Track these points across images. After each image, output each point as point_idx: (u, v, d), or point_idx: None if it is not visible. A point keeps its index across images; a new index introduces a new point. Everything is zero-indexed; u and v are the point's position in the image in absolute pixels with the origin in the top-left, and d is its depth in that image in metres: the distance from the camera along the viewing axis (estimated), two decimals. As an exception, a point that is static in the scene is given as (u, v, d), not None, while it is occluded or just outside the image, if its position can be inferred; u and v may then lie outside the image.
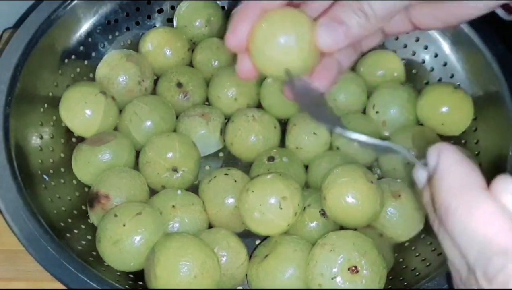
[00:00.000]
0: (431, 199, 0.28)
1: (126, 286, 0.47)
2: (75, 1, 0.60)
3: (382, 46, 0.64)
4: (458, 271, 0.28)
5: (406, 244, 0.53)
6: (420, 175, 0.31)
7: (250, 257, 0.51)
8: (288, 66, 0.35)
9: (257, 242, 0.54)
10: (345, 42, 0.35)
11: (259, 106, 0.62)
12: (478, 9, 0.37)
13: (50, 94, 0.58)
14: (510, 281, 0.24)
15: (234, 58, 0.64)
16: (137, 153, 0.57)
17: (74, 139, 0.59)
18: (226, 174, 0.54)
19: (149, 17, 0.67)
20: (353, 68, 0.63)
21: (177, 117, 0.60)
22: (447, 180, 0.26)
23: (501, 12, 0.43)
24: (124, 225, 0.48)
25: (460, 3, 0.37)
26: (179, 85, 0.61)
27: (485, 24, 0.58)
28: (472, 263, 0.25)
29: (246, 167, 0.57)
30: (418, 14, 0.39)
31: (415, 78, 0.64)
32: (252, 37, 0.36)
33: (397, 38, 0.64)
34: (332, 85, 0.39)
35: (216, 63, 0.64)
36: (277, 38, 0.35)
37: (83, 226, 0.53)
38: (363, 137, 0.32)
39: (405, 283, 0.49)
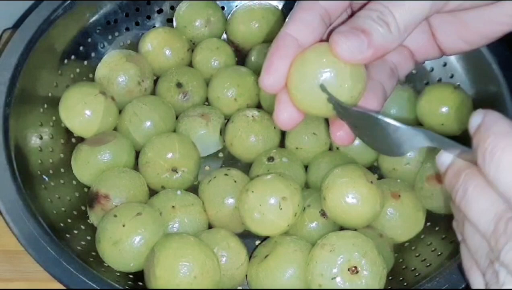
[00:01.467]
0: (476, 149, 0.28)
1: (126, 287, 0.47)
2: (75, 1, 0.60)
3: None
4: (484, 229, 0.28)
5: (406, 244, 0.53)
6: (445, 158, 0.31)
7: (250, 257, 0.51)
8: (343, 96, 0.33)
9: (257, 242, 0.54)
10: (369, 53, 0.32)
11: (259, 106, 0.62)
12: (501, 24, 0.36)
13: (50, 94, 0.58)
14: None
15: (238, 61, 0.64)
16: (137, 154, 0.57)
17: (73, 140, 0.59)
18: (226, 175, 0.54)
19: (148, 17, 0.67)
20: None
21: (177, 118, 0.60)
22: (495, 127, 0.27)
23: None
24: (124, 226, 0.48)
25: (482, 18, 0.36)
26: (179, 85, 0.61)
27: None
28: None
29: (246, 167, 0.57)
30: (443, 36, 0.38)
31: (415, 78, 0.63)
32: (294, 74, 0.34)
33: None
34: (380, 108, 0.37)
35: (216, 63, 0.64)
36: (320, 73, 0.33)
37: (82, 227, 0.53)
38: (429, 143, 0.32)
39: (405, 284, 0.49)
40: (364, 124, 0.34)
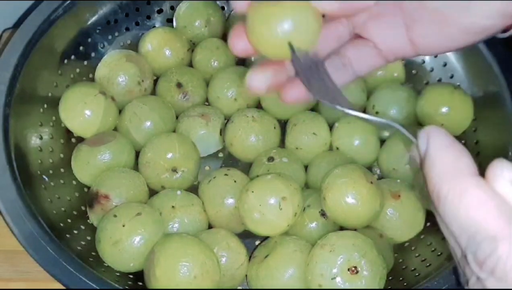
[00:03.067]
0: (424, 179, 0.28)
1: (126, 287, 0.47)
2: (75, 1, 0.60)
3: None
4: (455, 254, 0.28)
5: (406, 244, 0.53)
6: (416, 155, 0.30)
7: (250, 257, 0.51)
8: (290, 39, 0.33)
9: (257, 242, 0.54)
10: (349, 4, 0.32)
11: (259, 106, 0.62)
12: (486, 17, 0.34)
13: (50, 94, 0.58)
14: (498, 266, 0.24)
15: (238, 61, 0.64)
16: (137, 154, 0.57)
17: (73, 140, 0.59)
18: (226, 175, 0.54)
19: (148, 17, 0.67)
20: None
21: (177, 118, 0.60)
22: (437, 166, 0.26)
23: None
24: (123, 226, 0.48)
25: (462, 9, 0.34)
26: (179, 85, 0.61)
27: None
28: (463, 248, 0.26)
29: (246, 167, 0.57)
30: (423, 32, 0.36)
31: (415, 78, 0.63)
32: (250, 12, 0.34)
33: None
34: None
35: (216, 64, 0.64)
36: (276, 11, 0.33)
37: (82, 227, 0.53)
38: (363, 115, 0.31)
39: (405, 284, 0.49)
40: (309, 70, 0.34)
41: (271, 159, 0.55)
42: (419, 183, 0.32)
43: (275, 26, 0.33)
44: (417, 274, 0.49)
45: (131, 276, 0.50)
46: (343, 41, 0.38)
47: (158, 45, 0.63)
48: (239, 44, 0.35)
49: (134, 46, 0.65)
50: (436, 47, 0.37)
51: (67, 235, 0.50)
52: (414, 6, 0.36)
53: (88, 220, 0.54)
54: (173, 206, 0.51)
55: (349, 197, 0.49)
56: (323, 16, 0.35)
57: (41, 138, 0.56)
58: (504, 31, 0.36)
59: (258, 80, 0.36)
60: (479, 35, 0.35)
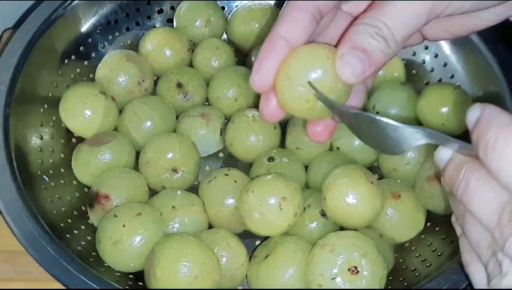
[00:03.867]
0: (477, 142, 0.29)
1: (126, 287, 0.47)
2: (75, 1, 0.60)
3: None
4: (487, 221, 0.29)
5: (407, 244, 0.53)
6: (443, 153, 0.32)
7: (250, 257, 0.51)
8: (313, 103, 0.34)
9: (257, 242, 0.54)
10: (371, 71, 0.33)
11: (259, 106, 0.62)
12: (489, 20, 0.37)
13: (50, 94, 0.58)
14: None
15: (238, 61, 0.64)
16: (137, 154, 0.57)
17: (74, 140, 0.59)
18: (226, 175, 0.54)
19: (149, 17, 0.67)
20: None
21: (177, 118, 0.60)
22: (495, 119, 0.28)
23: None
24: (124, 226, 0.48)
25: (471, 15, 0.36)
26: (179, 85, 0.61)
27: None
28: None
29: (246, 167, 0.57)
30: (428, 27, 0.38)
31: (415, 79, 0.63)
32: (280, 75, 0.35)
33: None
34: (363, 102, 0.39)
35: (216, 64, 0.64)
36: (308, 75, 0.34)
37: (83, 227, 0.53)
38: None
39: (405, 284, 0.49)
40: (361, 124, 0.34)
41: (271, 159, 0.55)
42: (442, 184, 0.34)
43: (305, 74, 0.34)
44: (417, 274, 0.49)
45: (131, 276, 0.50)
46: None
47: (159, 45, 0.63)
48: (269, 108, 0.37)
49: (134, 46, 0.65)
50: (439, 38, 0.40)
51: (67, 235, 0.50)
52: None
53: (88, 220, 0.54)
54: (173, 206, 0.51)
55: (350, 197, 0.49)
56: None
57: (41, 138, 0.56)
58: None
59: (272, 108, 0.37)
60: (478, 29, 0.38)
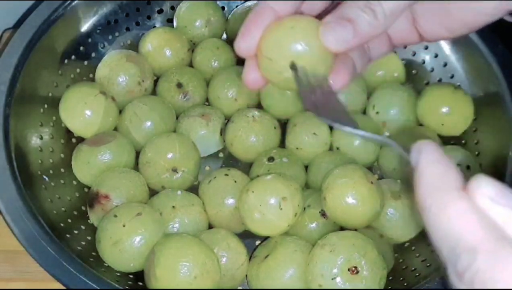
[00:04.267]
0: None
1: (126, 287, 0.47)
2: (75, 1, 0.60)
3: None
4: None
5: (406, 244, 0.53)
6: (409, 170, 0.31)
7: (250, 257, 0.51)
8: (294, 62, 0.34)
9: (257, 242, 0.54)
10: (355, 41, 0.34)
11: (259, 106, 0.62)
12: (486, 14, 0.36)
13: (50, 94, 0.58)
14: (475, 279, 0.24)
15: (238, 61, 0.64)
16: (137, 154, 0.57)
17: (74, 140, 0.59)
18: (226, 175, 0.54)
19: (149, 17, 0.67)
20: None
21: (177, 118, 0.60)
22: (424, 179, 0.27)
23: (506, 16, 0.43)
24: (124, 226, 0.48)
25: (470, 10, 0.36)
26: (179, 85, 0.61)
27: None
28: (445, 260, 0.26)
29: (246, 167, 0.57)
30: (425, 23, 0.38)
31: (415, 79, 0.63)
32: (262, 43, 0.35)
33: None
34: (347, 84, 0.38)
35: (216, 64, 0.64)
36: (288, 45, 0.34)
37: (83, 227, 0.53)
38: (361, 133, 0.32)
39: (405, 284, 0.49)
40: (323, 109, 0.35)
41: (271, 159, 0.55)
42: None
43: (283, 49, 0.34)
44: (417, 274, 0.49)
45: (131, 276, 0.50)
46: None
47: (159, 45, 0.63)
48: (252, 76, 0.37)
49: (134, 46, 0.65)
50: (438, 36, 0.39)
51: (67, 235, 0.50)
52: (418, 2, 0.37)
53: (88, 220, 0.54)
54: (173, 206, 0.51)
55: (350, 197, 0.49)
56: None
57: (41, 138, 0.56)
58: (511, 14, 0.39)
59: (254, 76, 0.38)
60: (478, 26, 0.38)
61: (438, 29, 0.38)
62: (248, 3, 0.67)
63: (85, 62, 0.63)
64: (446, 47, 0.62)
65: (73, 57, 0.61)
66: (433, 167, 0.27)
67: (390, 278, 0.50)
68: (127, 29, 0.66)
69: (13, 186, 0.49)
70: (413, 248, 0.53)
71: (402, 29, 0.39)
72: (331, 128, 0.58)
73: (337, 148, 0.57)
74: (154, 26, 0.67)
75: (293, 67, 0.34)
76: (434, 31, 0.39)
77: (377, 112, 0.59)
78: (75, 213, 0.54)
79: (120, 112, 0.59)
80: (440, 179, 0.26)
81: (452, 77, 0.61)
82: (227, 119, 0.60)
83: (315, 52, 0.34)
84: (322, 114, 0.34)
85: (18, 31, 0.57)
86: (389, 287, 0.49)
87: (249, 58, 0.37)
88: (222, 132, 0.59)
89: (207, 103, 0.63)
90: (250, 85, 0.38)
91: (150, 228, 0.48)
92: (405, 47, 0.63)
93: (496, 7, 0.36)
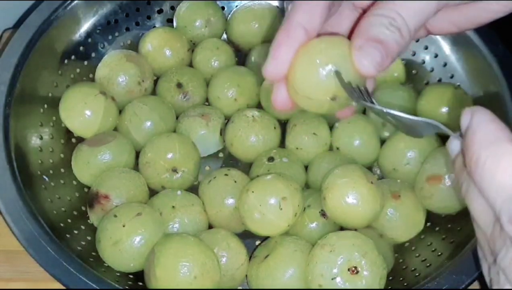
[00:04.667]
0: (463, 155, 0.29)
1: (126, 287, 0.47)
2: (75, 1, 0.60)
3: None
4: (484, 229, 0.29)
5: (406, 244, 0.53)
6: (454, 145, 0.32)
7: (250, 257, 0.51)
8: (334, 94, 0.34)
9: (257, 242, 0.54)
10: (387, 62, 0.33)
11: (259, 106, 0.62)
12: (496, 12, 0.36)
13: (50, 94, 0.58)
14: None
15: (238, 61, 0.64)
16: (137, 154, 0.57)
17: (73, 140, 0.59)
18: (226, 175, 0.54)
19: (149, 17, 0.67)
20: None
21: (177, 118, 0.60)
22: (479, 134, 0.28)
23: None
24: (124, 226, 0.48)
25: (478, 7, 0.36)
26: (179, 85, 0.61)
27: (485, 25, 0.58)
28: (498, 210, 0.27)
29: (246, 167, 0.57)
30: (433, 19, 0.38)
31: (415, 79, 0.63)
32: (294, 66, 0.34)
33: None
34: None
35: (216, 64, 0.64)
36: (322, 67, 0.33)
37: (83, 227, 0.53)
38: (405, 116, 0.34)
39: (405, 284, 0.49)
40: (381, 115, 0.36)
41: (271, 159, 0.55)
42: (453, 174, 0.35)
43: (321, 86, 0.34)
44: (417, 274, 0.49)
45: (131, 276, 0.50)
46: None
47: (158, 45, 0.63)
48: (280, 97, 0.37)
49: (134, 46, 0.65)
50: (444, 31, 0.39)
51: (67, 235, 0.50)
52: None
53: (88, 220, 0.54)
54: (173, 206, 0.51)
55: (349, 197, 0.49)
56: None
57: (41, 138, 0.56)
58: None
59: (284, 97, 0.37)
60: (484, 22, 0.38)
61: (446, 24, 0.39)
62: (248, 3, 0.67)
63: (85, 62, 0.63)
64: (446, 47, 0.62)
65: (73, 57, 0.61)
66: (487, 124, 0.28)
67: (390, 278, 0.50)
68: (127, 29, 0.66)
69: (13, 186, 0.49)
70: (413, 248, 0.53)
71: None
72: (331, 128, 0.58)
73: (337, 148, 0.57)
74: (154, 26, 0.67)
75: (338, 74, 0.34)
76: (442, 26, 0.39)
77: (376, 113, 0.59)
78: (75, 213, 0.54)
79: (120, 112, 0.59)
80: (495, 134, 0.28)
81: (452, 77, 0.61)
82: (227, 119, 0.60)
83: (351, 78, 0.34)
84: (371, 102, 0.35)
85: (18, 31, 0.57)
86: (389, 287, 0.49)
87: (279, 82, 0.36)
88: (222, 132, 0.59)
89: (207, 103, 0.63)
90: (279, 106, 0.37)
91: (150, 228, 0.48)
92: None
93: (507, 5, 0.36)
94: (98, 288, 0.45)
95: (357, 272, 0.45)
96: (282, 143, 0.59)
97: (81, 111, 0.56)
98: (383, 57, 0.33)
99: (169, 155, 0.54)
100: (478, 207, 0.29)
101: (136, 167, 0.57)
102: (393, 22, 0.33)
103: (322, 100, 0.35)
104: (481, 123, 0.28)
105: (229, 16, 0.68)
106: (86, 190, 0.56)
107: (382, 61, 0.33)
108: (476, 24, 0.38)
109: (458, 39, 0.60)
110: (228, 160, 0.60)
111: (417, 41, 0.63)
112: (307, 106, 0.36)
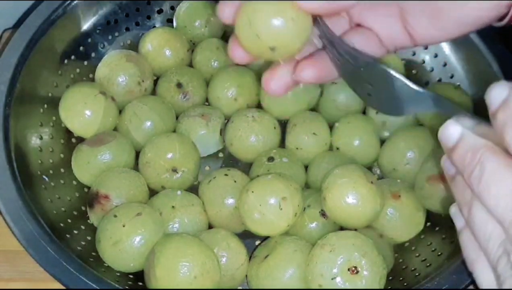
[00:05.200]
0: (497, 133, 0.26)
1: (126, 287, 0.47)
2: (75, 1, 0.60)
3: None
4: (503, 217, 0.26)
5: (406, 244, 0.53)
6: (453, 130, 0.29)
7: (250, 257, 0.51)
8: (277, 42, 0.33)
9: (257, 242, 0.54)
10: (333, 5, 0.32)
11: (259, 106, 0.62)
12: (481, 9, 0.34)
13: (50, 94, 0.58)
14: None
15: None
16: (137, 154, 0.57)
17: (73, 140, 0.59)
18: (226, 175, 0.54)
19: (149, 17, 0.67)
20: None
21: (177, 118, 0.60)
22: None
23: None
24: (124, 226, 0.48)
25: (457, 2, 0.34)
26: (179, 85, 0.61)
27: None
28: None
29: (246, 167, 0.57)
30: (416, 23, 0.36)
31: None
32: (239, 17, 0.34)
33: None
34: (318, 78, 0.36)
35: (216, 64, 0.64)
36: (263, 13, 0.33)
37: (83, 227, 0.53)
38: (399, 75, 0.30)
39: (405, 284, 0.49)
40: (366, 75, 0.32)
41: (271, 159, 0.55)
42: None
43: (260, 30, 0.33)
44: (417, 274, 0.49)
45: (131, 276, 0.50)
46: (346, 31, 0.39)
47: (158, 45, 0.63)
48: (237, 52, 0.37)
49: (134, 46, 0.65)
50: (430, 38, 0.37)
51: (67, 235, 0.50)
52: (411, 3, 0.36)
53: (88, 220, 0.54)
54: (173, 206, 0.51)
55: (349, 197, 0.49)
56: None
57: (41, 138, 0.56)
58: (500, 19, 0.36)
59: (275, 83, 0.37)
60: (472, 26, 0.35)
61: (430, 30, 0.36)
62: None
63: (85, 62, 0.63)
64: (446, 47, 0.62)
65: (73, 57, 0.61)
66: None
67: (390, 278, 0.50)
68: (127, 29, 0.66)
69: (13, 186, 0.49)
70: (413, 248, 0.53)
71: (392, 30, 0.37)
72: (331, 128, 0.58)
73: (337, 148, 0.57)
74: (154, 26, 0.67)
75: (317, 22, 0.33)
76: (426, 32, 0.36)
77: (377, 112, 0.59)
78: (75, 213, 0.54)
79: (120, 112, 0.59)
80: None
81: (452, 77, 0.61)
82: (227, 119, 0.60)
83: (293, 16, 0.33)
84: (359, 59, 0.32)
85: (18, 31, 0.57)
86: (389, 287, 0.49)
87: (233, 38, 0.36)
88: (222, 132, 0.59)
89: (207, 103, 0.63)
90: (238, 61, 0.37)
91: (150, 228, 0.48)
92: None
93: (491, 1, 0.33)
94: (98, 288, 0.45)
95: (357, 272, 0.45)
96: (282, 143, 0.59)
97: (81, 111, 0.56)
98: None
99: (169, 155, 0.54)
100: (501, 189, 0.26)
101: (136, 167, 0.57)
102: None
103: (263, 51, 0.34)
104: None
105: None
106: (86, 190, 0.56)
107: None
108: (464, 28, 0.35)
109: (458, 39, 0.60)
110: (228, 160, 0.60)
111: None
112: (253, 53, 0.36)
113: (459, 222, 0.31)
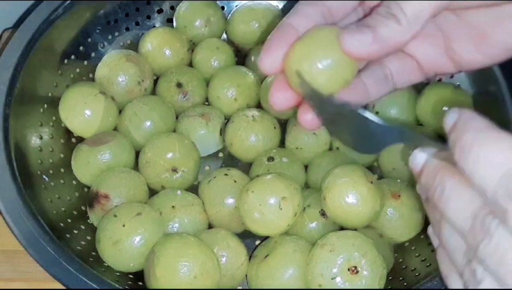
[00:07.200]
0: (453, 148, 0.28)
1: (126, 287, 0.47)
2: (75, 1, 0.60)
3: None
4: (461, 227, 0.28)
5: (406, 244, 0.53)
6: (419, 158, 0.31)
7: (250, 257, 0.51)
8: (326, 83, 0.34)
9: (257, 242, 0.54)
10: (375, 46, 0.33)
11: (259, 106, 0.62)
12: None
13: (50, 94, 0.58)
14: None
15: (237, 61, 0.64)
16: (137, 154, 0.57)
17: (73, 140, 0.59)
18: (225, 175, 0.54)
19: (148, 17, 0.67)
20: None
21: (176, 117, 0.60)
22: (471, 123, 0.28)
23: None
24: (123, 226, 0.48)
25: (505, 26, 0.34)
26: (179, 85, 0.61)
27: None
28: (492, 190, 0.26)
29: (246, 167, 0.57)
30: (460, 49, 0.36)
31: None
32: (288, 58, 0.35)
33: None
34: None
35: (216, 63, 0.64)
36: (313, 56, 0.33)
37: (82, 227, 0.53)
38: (376, 119, 0.31)
39: (405, 283, 0.49)
40: (341, 118, 0.34)
41: (271, 159, 0.55)
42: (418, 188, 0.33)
43: (305, 65, 0.34)
44: (417, 274, 0.49)
45: (131, 276, 0.50)
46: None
47: (158, 45, 0.63)
48: (279, 95, 0.37)
49: (134, 46, 0.65)
50: (476, 63, 0.37)
51: (67, 235, 0.50)
52: (452, 24, 0.36)
53: (88, 220, 0.54)
54: (173, 206, 0.51)
55: (349, 197, 0.49)
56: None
57: (41, 138, 0.56)
58: None
59: (281, 98, 0.37)
60: None
61: (475, 55, 0.36)
62: (248, 3, 0.67)
63: (85, 62, 0.63)
64: (446, 47, 0.61)
65: (73, 57, 0.61)
66: (477, 117, 0.28)
67: (390, 278, 0.50)
68: (127, 29, 0.66)
69: (13, 186, 0.49)
70: (413, 248, 0.53)
71: (434, 56, 0.38)
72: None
73: (337, 148, 0.57)
74: (154, 26, 0.67)
75: (300, 75, 0.34)
76: (471, 58, 0.37)
77: (377, 112, 0.59)
78: (75, 213, 0.54)
79: (120, 112, 0.59)
80: (485, 123, 0.27)
81: (452, 77, 0.61)
82: (227, 119, 0.60)
83: (342, 61, 0.33)
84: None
85: (18, 31, 0.57)
86: (389, 287, 0.49)
87: (275, 77, 0.36)
88: (222, 132, 0.59)
89: (207, 103, 0.63)
90: (278, 105, 0.37)
91: (150, 228, 0.48)
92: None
93: None
94: (98, 288, 0.45)
95: (357, 272, 0.45)
96: (282, 143, 0.59)
97: (81, 111, 0.56)
98: (367, 38, 0.32)
99: (169, 155, 0.54)
100: (458, 203, 0.28)
101: (136, 167, 0.57)
102: (388, 10, 0.33)
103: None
104: (471, 116, 0.28)
105: (229, 16, 0.68)
106: (86, 190, 0.56)
107: (365, 42, 0.32)
108: (511, 52, 0.35)
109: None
110: (228, 160, 0.60)
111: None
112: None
113: (434, 241, 0.33)
